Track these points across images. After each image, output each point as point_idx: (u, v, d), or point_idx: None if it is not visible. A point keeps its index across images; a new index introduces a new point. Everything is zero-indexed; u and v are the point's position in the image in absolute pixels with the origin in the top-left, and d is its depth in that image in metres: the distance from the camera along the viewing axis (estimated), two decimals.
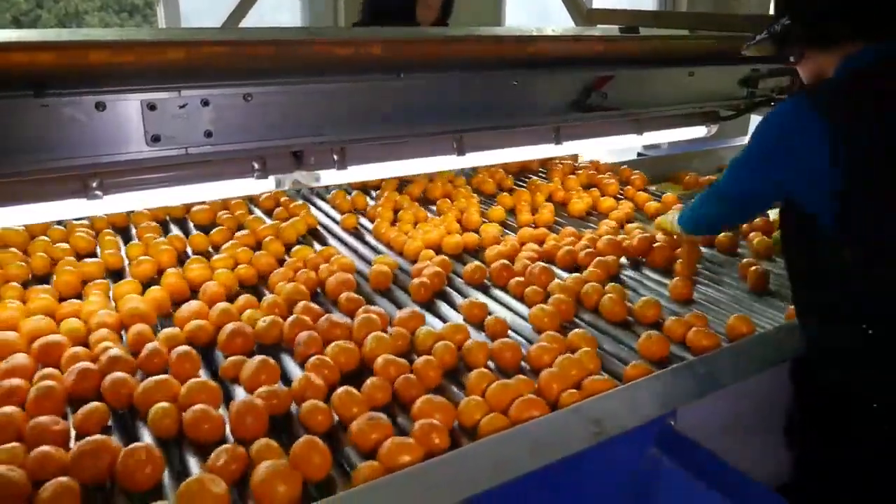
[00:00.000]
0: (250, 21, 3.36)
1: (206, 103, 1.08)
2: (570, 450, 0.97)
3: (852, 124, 1.10)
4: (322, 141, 1.20)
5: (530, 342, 1.37)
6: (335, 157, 1.26)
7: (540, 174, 2.67)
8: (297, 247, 1.78)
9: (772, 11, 1.35)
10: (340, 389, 1.15)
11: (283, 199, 2.16)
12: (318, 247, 1.86)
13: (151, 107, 1.04)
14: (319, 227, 2.04)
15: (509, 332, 1.42)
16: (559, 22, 4.10)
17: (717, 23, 1.97)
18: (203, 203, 1.99)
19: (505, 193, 2.32)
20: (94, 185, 1.05)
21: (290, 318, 1.36)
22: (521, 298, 1.59)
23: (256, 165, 1.19)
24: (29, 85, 0.96)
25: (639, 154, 3.03)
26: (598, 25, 2.22)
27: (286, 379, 1.25)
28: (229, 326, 1.31)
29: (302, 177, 1.29)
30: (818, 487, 1.30)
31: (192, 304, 1.42)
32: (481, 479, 0.89)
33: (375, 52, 1.25)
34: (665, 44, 1.64)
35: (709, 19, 2.17)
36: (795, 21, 1.21)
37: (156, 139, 1.05)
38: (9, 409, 1.07)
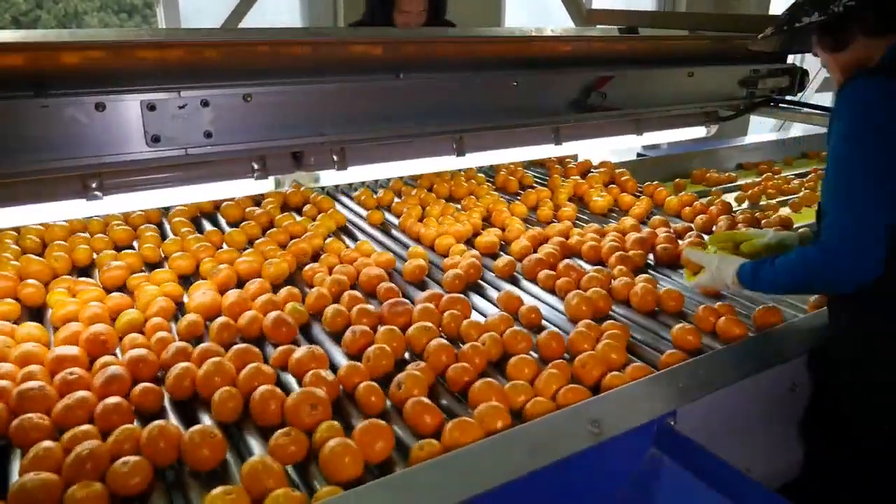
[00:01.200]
0: (250, 21, 3.35)
1: (205, 104, 1.09)
2: (570, 450, 0.97)
3: None
4: (321, 141, 1.20)
5: (563, 330, 1.40)
6: (335, 157, 1.26)
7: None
8: (329, 240, 1.83)
9: (773, 9, 1.31)
10: (404, 373, 1.17)
11: (312, 195, 2.17)
12: (348, 241, 1.89)
13: (151, 107, 1.05)
14: (347, 224, 2.06)
15: (542, 321, 1.46)
16: (559, 22, 4.10)
17: (716, 23, 1.97)
18: (232, 199, 2.03)
19: (530, 190, 2.36)
20: (94, 185, 1.06)
21: (357, 307, 1.40)
22: (549, 289, 1.62)
23: (256, 166, 1.20)
24: (29, 85, 0.96)
25: (639, 154, 3.03)
26: (598, 26, 2.22)
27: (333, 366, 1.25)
28: (273, 315, 1.34)
29: (301, 177, 1.29)
30: (819, 487, 1.30)
31: (232, 295, 1.44)
32: (481, 480, 0.89)
33: (375, 53, 1.25)
34: (664, 44, 1.65)
35: (708, 20, 2.16)
36: (862, 2, 1.12)
37: (156, 139, 1.06)
38: (83, 393, 1.09)
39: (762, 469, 1.21)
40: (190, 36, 1.15)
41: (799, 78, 1.84)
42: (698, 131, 1.93)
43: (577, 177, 2.50)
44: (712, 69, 1.71)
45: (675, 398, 1.09)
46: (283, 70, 1.18)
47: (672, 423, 1.07)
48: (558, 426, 1.02)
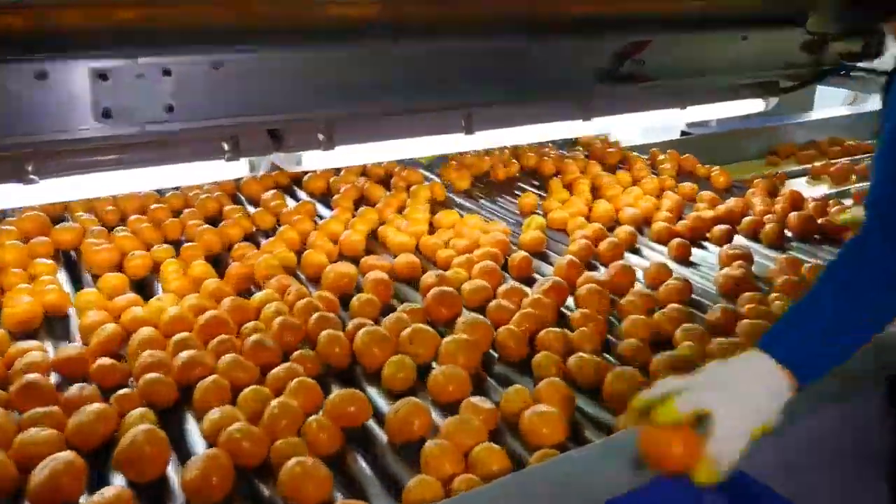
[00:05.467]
0: None
1: (167, 73, 0.98)
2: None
3: None
4: (304, 118, 1.10)
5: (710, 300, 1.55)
6: (320, 136, 1.15)
7: None
8: (440, 213, 1.95)
9: None
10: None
11: (396, 168, 2.30)
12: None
13: (102, 76, 0.94)
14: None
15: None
16: None
17: None
18: (314, 171, 2.15)
19: (636, 163, 2.48)
20: (30, 168, 0.96)
21: (504, 286, 1.54)
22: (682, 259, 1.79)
23: (227, 146, 1.09)
24: None
25: (683, 133, 2.83)
26: None
27: None
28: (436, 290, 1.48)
29: (280, 159, 1.17)
30: None
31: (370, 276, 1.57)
32: None
33: (369, 13, 1.13)
34: (713, 2, 1.49)
35: None
36: None
37: (107, 114, 0.95)
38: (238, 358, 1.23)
39: None
40: None
41: (876, 41, 1.63)
42: (754, 105, 1.79)
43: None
44: (770, 32, 1.56)
45: None
46: (260, 33, 1.06)
47: None
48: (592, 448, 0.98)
